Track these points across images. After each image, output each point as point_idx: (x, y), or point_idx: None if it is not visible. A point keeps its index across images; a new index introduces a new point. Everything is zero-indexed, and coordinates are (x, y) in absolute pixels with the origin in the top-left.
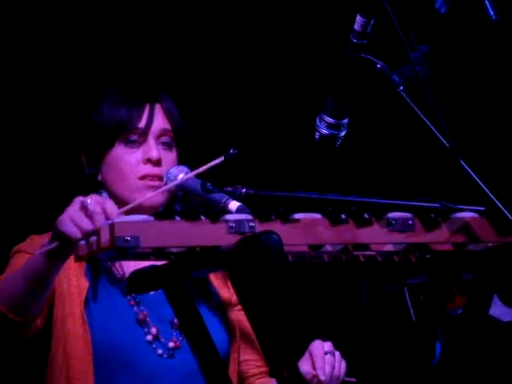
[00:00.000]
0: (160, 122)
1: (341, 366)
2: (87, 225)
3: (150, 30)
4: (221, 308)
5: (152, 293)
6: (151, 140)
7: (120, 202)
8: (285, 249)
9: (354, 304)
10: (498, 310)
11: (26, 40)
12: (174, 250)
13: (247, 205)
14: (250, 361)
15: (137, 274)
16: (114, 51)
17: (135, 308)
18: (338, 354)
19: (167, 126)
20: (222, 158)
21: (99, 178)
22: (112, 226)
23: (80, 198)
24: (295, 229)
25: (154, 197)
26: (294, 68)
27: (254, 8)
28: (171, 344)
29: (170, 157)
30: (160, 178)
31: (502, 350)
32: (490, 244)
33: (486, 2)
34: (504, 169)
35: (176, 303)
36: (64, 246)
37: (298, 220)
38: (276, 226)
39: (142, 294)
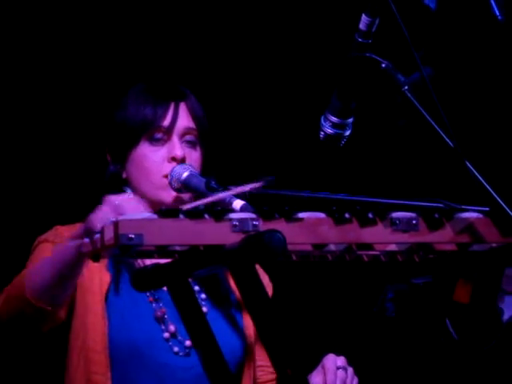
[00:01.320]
0: (185, 120)
1: (352, 383)
2: None
3: (172, 29)
4: (237, 310)
5: None
6: (175, 138)
7: (144, 198)
8: (288, 248)
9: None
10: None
11: (51, 38)
12: (177, 248)
13: (251, 203)
14: (264, 367)
15: (141, 271)
16: (139, 49)
17: (154, 304)
18: (350, 370)
19: (192, 124)
20: (260, 184)
21: (124, 175)
22: (116, 224)
23: (111, 197)
24: (299, 228)
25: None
26: (300, 67)
27: (261, 7)
28: (188, 342)
29: (194, 155)
30: None
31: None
32: (494, 244)
33: (492, 2)
34: (508, 169)
35: (179, 302)
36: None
37: (301, 219)
38: (280, 225)
39: (160, 291)
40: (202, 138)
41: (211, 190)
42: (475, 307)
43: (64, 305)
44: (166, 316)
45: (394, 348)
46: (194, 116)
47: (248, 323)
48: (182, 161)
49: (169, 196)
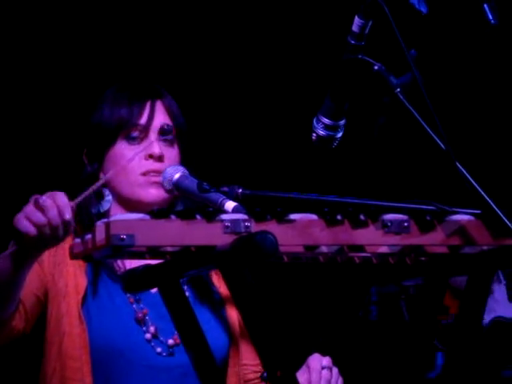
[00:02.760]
0: (161, 118)
1: (337, 383)
2: (39, 218)
3: (149, 28)
4: (221, 307)
5: (153, 290)
6: (152, 136)
7: (123, 198)
8: (280, 249)
9: (359, 314)
10: (503, 309)
11: (25, 40)
12: (169, 249)
13: (243, 205)
14: (248, 365)
15: (132, 272)
16: (113, 49)
17: (135, 306)
18: (335, 370)
19: (168, 121)
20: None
21: (101, 175)
22: (107, 224)
23: (35, 196)
24: (291, 229)
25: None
26: (292, 69)
27: (252, 8)
28: (170, 342)
29: (171, 153)
30: (162, 173)
31: (492, 352)
32: (485, 247)
33: (485, 6)
34: (500, 172)
35: (170, 302)
36: (25, 245)
37: (293, 220)
38: (272, 227)
39: (142, 292)
40: (179, 135)
41: (203, 191)
42: (465, 311)
43: (11, 317)
44: (147, 317)
45: (380, 350)
46: (171, 114)
47: (233, 319)
48: (159, 158)
49: (147, 194)
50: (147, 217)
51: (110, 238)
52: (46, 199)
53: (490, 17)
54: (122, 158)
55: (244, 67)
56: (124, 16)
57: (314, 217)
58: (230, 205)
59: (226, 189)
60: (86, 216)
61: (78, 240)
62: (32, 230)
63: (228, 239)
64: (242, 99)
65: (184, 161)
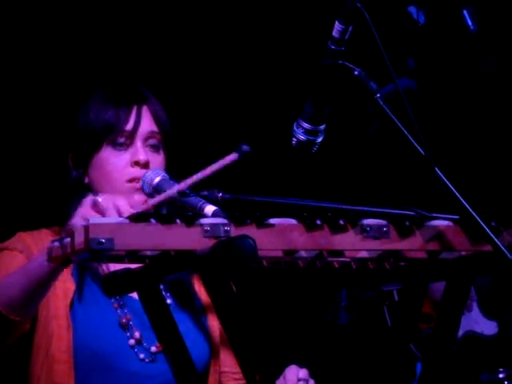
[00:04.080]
0: (147, 124)
1: None
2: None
3: (135, 31)
4: (203, 314)
5: (136, 296)
6: (138, 142)
7: None
8: (259, 254)
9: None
10: (481, 326)
11: (11, 42)
12: (148, 253)
13: (223, 209)
14: (228, 373)
15: (111, 276)
16: (99, 52)
17: (119, 311)
18: (312, 382)
19: (154, 128)
20: (235, 156)
21: (86, 180)
22: (86, 228)
23: (90, 197)
24: (270, 234)
25: (147, 207)
26: (272, 74)
27: (231, 14)
28: (153, 349)
29: (157, 159)
30: None
31: (488, 362)
32: (463, 252)
33: (465, 13)
34: (478, 177)
35: (149, 306)
36: None
37: (273, 225)
38: (251, 231)
39: (125, 297)
40: (165, 141)
41: (183, 195)
42: (442, 316)
43: (31, 316)
44: (130, 322)
45: (353, 355)
46: (157, 119)
47: (213, 326)
48: (145, 165)
49: (132, 201)
50: (126, 221)
51: (89, 242)
52: (106, 202)
53: (470, 23)
54: (107, 164)
55: (224, 72)
56: (110, 17)
57: (293, 221)
58: (209, 209)
59: (205, 193)
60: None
61: (56, 243)
62: None
63: (207, 243)
64: (223, 104)
65: (169, 166)
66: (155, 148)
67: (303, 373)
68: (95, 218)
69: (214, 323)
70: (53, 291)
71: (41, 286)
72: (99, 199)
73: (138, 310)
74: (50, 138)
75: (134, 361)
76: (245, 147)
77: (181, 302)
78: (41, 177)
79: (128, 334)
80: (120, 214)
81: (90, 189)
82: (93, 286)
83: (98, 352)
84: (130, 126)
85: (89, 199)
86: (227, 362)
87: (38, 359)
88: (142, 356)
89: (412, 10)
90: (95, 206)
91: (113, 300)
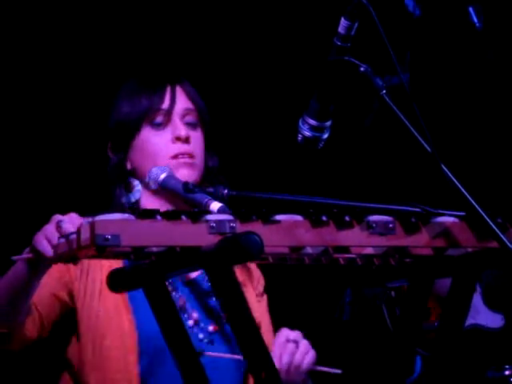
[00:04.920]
0: (183, 102)
1: (305, 357)
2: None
3: (159, 22)
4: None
5: (191, 276)
6: (177, 119)
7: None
8: (265, 250)
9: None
10: (484, 318)
11: (44, 37)
12: (154, 249)
13: (229, 206)
14: None
15: (117, 272)
16: (132, 46)
17: (174, 294)
18: (304, 343)
19: (190, 105)
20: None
21: (128, 166)
22: (92, 224)
23: (57, 216)
24: (276, 230)
25: None
26: (278, 70)
27: (238, 10)
28: (211, 328)
29: (196, 135)
30: (191, 155)
31: (493, 355)
32: (469, 249)
33: (471, 10)
34: (484, 174)
35: (155, 303)
36: (40, 260)
37: (278, 221)
38: (257, 227)
39: (174, 281)
40: (201, 118)
41: (188, 192)
42: (448, 313)
43: (21, 325)
44: (187, 304)
45: (356, 351)
46: (191, 98)
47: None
48: (186, 140)
49: (179, 175)
50: (132, 217)
51: (95, 238)
52: (68, 225)
53: (475, 20)
54: (149, 144)
55: (229, 69)
56: (126, 13)
57: (299, 218)
58: (215, 205)
59: (211, 189)
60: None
61: (62, 240)
62: (49, 251)
63: (213, 240)
64: (228, 100)
65: (208, 144)
66: (193, 125)
67: (294, 334)
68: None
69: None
70: (98, 284)
71: (21, 291)
72: (64, 220)
73: (189, 292)
74: (89, 131)
75: (194, 341)
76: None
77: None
78: (84, 172)
79: (185, 316)
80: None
81: (134, 174)
82: None
83: (159, 336)
84: (166, 104)
85: (55, 218)
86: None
87: (87, 351)
88: (201, 336)
89: (409, 2)
90: (59, 228)
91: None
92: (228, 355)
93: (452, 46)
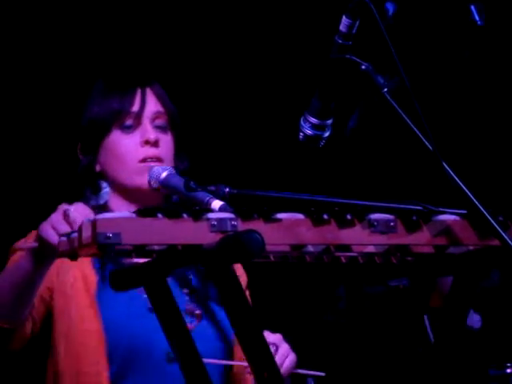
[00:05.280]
0: (153, 105)
1: (285, 360)
2: (66, 230)
3: (136, 19)
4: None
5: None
6: (146, 123)
7: (121, 187)
8: (267, 248)
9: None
10: (469, 318)
11: (14, 35)
12: (155, 247)
13: (230, 204)
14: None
15: (118, 271)
16: (102, 44)
17: (145, 295)
18: (284, 347)
19: (160, 108)
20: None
21: (97, 168)
22: (94, 223)
23: (63, 206)
24: (277, 228)
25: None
26: (279, 68)
27: (239, 6)
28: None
29: (166, 139)
30: (159, 159)
31: (477, 351)
32: (470, 247)
33: (472, 8)
34: (486, 172)
35: (156, 301)
36: (46, 250)
37: (280, 220)
38: (258, 226)
39: None
40: (172, 122)
41: (190, 190)
42: (450, 312)
43: (25, 320)
44: None
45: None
46: (162, 101)
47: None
48: (155, 144)
49: (146, 181)
50: (133, 215)
51: (96, 237)
52: (76, 213)
53: (477, 18)
54: (118, 147)
55: (231, 65)
56: (107, 9)
57: (300, 216)
58: (216, 204)
59: (212, 188)
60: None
61: (64, 238)
62: (56, 239)
63: (214, 238)
64: (229, 98)
65: (178, 147)
66: (162, 128)
67: (274, 337)
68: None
69: None
70: (73, 285)
71: (27, 285)
72: (71, 209)
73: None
74: (60, 133)
75: (166, 344)
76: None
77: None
78: (53, 173)
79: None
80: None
81: (102, 176)
82: None
83: (130, 338)
84: (136, 107)
85: (61, 208)
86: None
87: (59, 353)
88: None
89: (389, 6)
90: (66, 217)
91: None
92: (226, 361)
93: (452, 43)
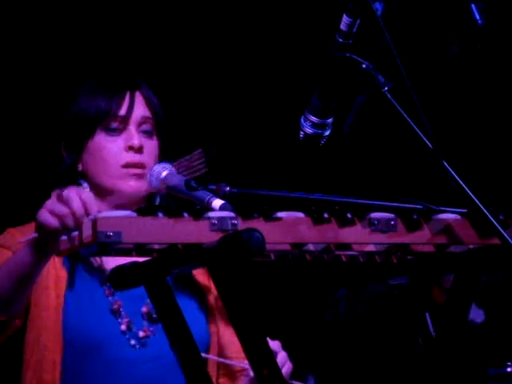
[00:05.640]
0: (141, 109)
1: (282, 368)
2: (62, 209)
3: (127, 19)
4: (199, 293)
5: None
6: (132, 128)
7: (101, 190)
8: (267, 247)
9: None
10: (471, 313)
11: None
12: (156, 246)
13: (231, 203)
14: (233, 358)
15: (118, 270)
16: (89, 41)
17: (110, 298)
18: (282, 355)
19: (148, 113)
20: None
21: (79, 167)
22: (94, 221)
23: (56, 191)
24: (278, 227)
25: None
26: (279, 66)
27: (239, 4)
28: (141, 333)
29: (150, 144)
30: (142, 165)
31: (478, 350)
32: (471, 246)
33: (473, 6)
34: (486, 171)
35: (157, 300)
36: (46, 237)
37: (280, 218)
38: (259, 224)
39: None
40: (158, 127)
41: (191, 189)
42: (450, 310)
43: (20, 312)
44: (121, 309)
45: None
46: (150, 105)
47: (211, 305)
48: (139, 150)
49: (127, 186)
50: (134, 214)
51: (97, 235)
52: (69, 192)
53: (478, 17)
54: (101, 150)
55: (230, 64)
56: (99, 7)
57: (301, 215)
58: (217, 203)
59: (213, 187)
60: None
61: (64, 237)
62: (54, 221)
63: (215, 237)
64: (229, 96)
65: (162, 153)
66: (148, 134)
67: (272, 344)
68: (104, 212)
69: (212, 304)
70: (45, 282)
71: (23, 279)
72: (64, 191)
73: (128, 295)
74: (42, 129)
75: (126, 347)
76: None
77: (179, 280)
78: (31, 169)
79: (119, 321)
80: (84, 203)
81: (84, 176)
82: (84, 274)
83: (89, 339)
84: (123, 111)
85: (55, 192)
86: (232, 348)
87: (28, 350)
88: (132, 342)
89: (378, 6)
90: (60, 197)
91: (105, 287)
92: (224, 360)
93: (452, 43)
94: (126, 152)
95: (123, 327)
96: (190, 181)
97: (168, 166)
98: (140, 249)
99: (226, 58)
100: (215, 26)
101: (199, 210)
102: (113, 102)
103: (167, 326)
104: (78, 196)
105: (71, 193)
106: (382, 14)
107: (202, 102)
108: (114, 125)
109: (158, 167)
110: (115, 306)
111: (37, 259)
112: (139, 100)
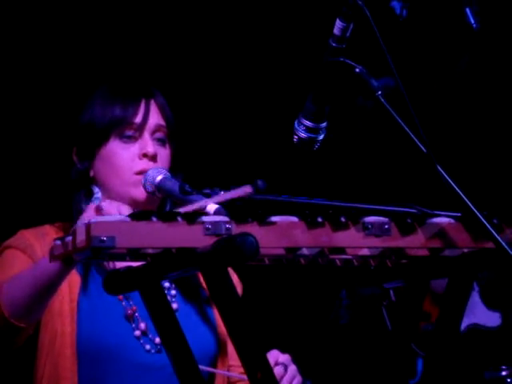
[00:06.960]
0: (155, 117)
1: (292, 381)
2: None
3: (138, 27)
4: (208, 305)
5: None
6: (147, 135)
7: (114, 196)
8: (261, 251)
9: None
10: (482, 317)
11: (13, 37)
12: (150, 250)
13: (225, 208)
14: (234, 366)
15: (113, 274)
16: (101, 48)
17: (124, 303)
18: (292, 367)
19: (162, 121)
20: (250, 189)
21: (91, 173)
22: (88, 226)
23: (94, 203)
24: (272, 231)
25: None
26: (274, 71)
27: (233, 10)
28: (158, 339)
29: (164, 153)
30: None
31: (491, 354)
32: (465, 250)
33: (467, 11)
34: (480, 175)
35: (151, 304)
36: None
37: (274, 223)
38: (253, 229)
39: None
40: (171, 135)
41: (185, 194)
42: (445, 314)
43: (35, 322)
44: (136, 314)
45: (355, 354)
46: (164, 113)
47: (220, 319)
48: (153, 158)
49: (140, 193)
50: (128, 218)
51: (91, 240)
52: (109, 207)
53: (472, 21)
54: (115, 156)
55: (227, 70)
56: (111, 14)
57: (294, 219)
58: (211, 207)
59: (207, 191)
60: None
61: (58, 242)
62: None
63: (209, 241)
64: (225, 102)
65: (175, 161)
66: (162, 142)
67: (283, 357)
68: (97, 217)
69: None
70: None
71: (48, 288)
72: (103, 204)
73: (141, 301)
74: (53, 134)
75: (140, 352)
76: (260, 183)
77: (186, 293)
78: (43, 173)
79: (133, 326)
80: None
81: (96, 182)
82: (98, 278)
83: (103, 345)
84: (138, 118)
85: (92, 205)
86: (234, 356)
87: (41, 356)
88: (147, 347)
89: (395, 4)
90: (99, 212)
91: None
92: (223, 371)
93: (448, 46)
94: (139, 159)
95: (137, 333)
96: (184, 185)
97: (163, 170)
98: (134, 253)
99: (222, 64)
100: (214, 33)
101: (193, 215)
102: (128, 110)
103: (161, 331)
104: (119, 212)
105: (112, 208)
106: (400, 13)
107: (197, 106)
108: (129, 132)
109: (152, 171)
110: (129, 312)
111: (63, 269)
112: (154, 108)
